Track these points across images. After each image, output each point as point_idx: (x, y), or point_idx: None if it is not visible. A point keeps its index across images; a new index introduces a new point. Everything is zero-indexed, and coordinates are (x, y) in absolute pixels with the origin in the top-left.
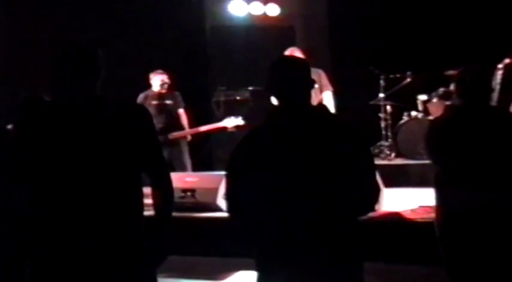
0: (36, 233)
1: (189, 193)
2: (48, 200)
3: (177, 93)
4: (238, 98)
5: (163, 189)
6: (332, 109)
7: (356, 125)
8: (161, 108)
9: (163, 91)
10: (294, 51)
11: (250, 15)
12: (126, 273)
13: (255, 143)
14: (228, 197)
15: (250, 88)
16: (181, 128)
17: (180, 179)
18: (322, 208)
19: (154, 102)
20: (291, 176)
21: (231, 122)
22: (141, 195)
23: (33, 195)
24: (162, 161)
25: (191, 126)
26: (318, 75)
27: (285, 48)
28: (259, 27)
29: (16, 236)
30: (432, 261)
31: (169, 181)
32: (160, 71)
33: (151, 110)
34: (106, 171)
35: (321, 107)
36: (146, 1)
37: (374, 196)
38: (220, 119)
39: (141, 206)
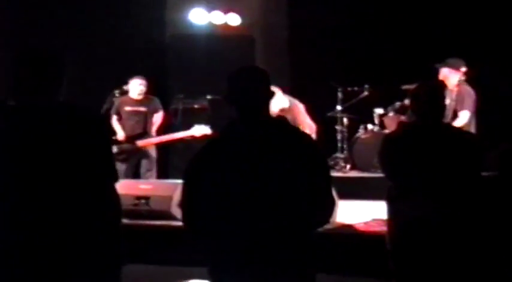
0: None
1: (143, 200)
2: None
3: (153, 99)
4: (196, 106)
5: (107, 204)
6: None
7: (312, 137)
8: (135, 114)
9: (140, 97)
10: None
11: (210, 24)
12: None
13: (212, 152)
14: (184, 205)
15: (208, 97)
16: (154, 134)
17: (134, 186)
18: (277, 219)
19: (128, 109)
20: (247, 186)
21: (199, 130)
22: (97, 205)
23: None
24: (110, 174)
25: (159, 132)
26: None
27: (244, 58)
28: (220, 37)
29: None
30: (383, 275)
31: (113, 198)
32: (139, 76)
33: (125, 116)
34: (58, 180)
35: (280, 118)
36: (107, 10)
37: (329, 208)
38: (177, 127)
39: (98, 216)
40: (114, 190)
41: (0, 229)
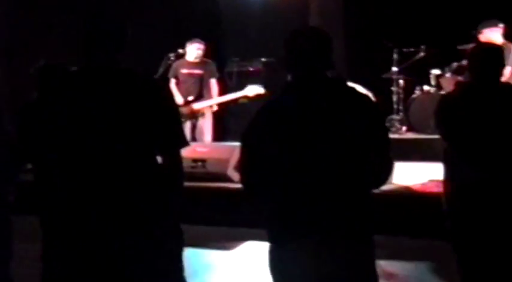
0: (51, 204)
1: (199, 163)
2: (64, 173)
3: (210, 63)
4: (251, 69)
5: (171, 169)
6: None
7: (371, 98)
8: (191, 77)
9: (196, 60)
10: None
11: None
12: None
13: (271, 115)
14: (242, 168)
15: (263, 59)
16: (210, 98)
17: (191, 149)
18: (336, 180)
19: (184, 71)
20: (307, 148)
21: (253, 90)
22: (160, 174)
23: (47, 168)
24: (174, 140)
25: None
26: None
27: (299, 20)
28: None
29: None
30: (439, 236)
31: (177, 163)
32: (197, 39)
33: (182, 78)
34: (122, 144)
35: (338, 79)
36: None
37: (387, 169)
38: (233, 90)
39: (159, 180)
40: (179, 159)
41: (73, 189)
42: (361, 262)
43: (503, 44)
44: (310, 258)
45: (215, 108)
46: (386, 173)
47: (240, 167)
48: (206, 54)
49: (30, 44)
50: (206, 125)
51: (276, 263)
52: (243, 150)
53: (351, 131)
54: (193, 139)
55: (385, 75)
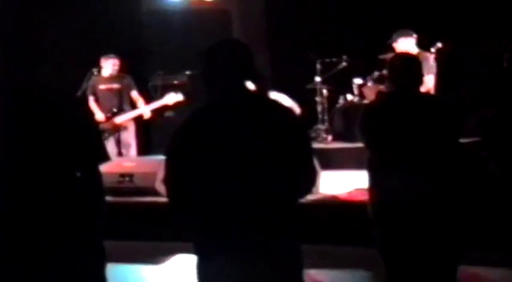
0: None
1: (127, 178)
2: None
3: (127, 77)
4: (175, 82)
5: (90, 184)
6: None
7: (291, 109)
8: (109, 92)
9: (113, 75)
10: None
11: (186, 0)
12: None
13: (194, 127)
14: (167, 181)
15: (187, 72)
16: (133, 110)
17: (118, 164)
18: (260, 192)
19: (102, 87)
20: (230, 160)
21: (172, 98)
22: (79, 188)
23: None
24: (92, 155)
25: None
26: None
27: (221, 32)
28: (196, 12)
29: None
30: (366, 243)
31: (95, 177)
32: (111, 55)
33: (100, 94)
34: (41, 162)
35: (259, 92)
36: None
37: (311, 179)
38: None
39: (80, 196)
40: (98, 170)
41: None
42: (288, 272)
43: (418, 53)
44: (237, 270)
45: (147, 116)
46: (310, 182)
47: (166, 181)
48: (126, 67)
49: None
50: (130, 138)
51: (203, 277)
52: (168, 164)
53: (274, 142)
54: (120, 154)
55: (309, 86)
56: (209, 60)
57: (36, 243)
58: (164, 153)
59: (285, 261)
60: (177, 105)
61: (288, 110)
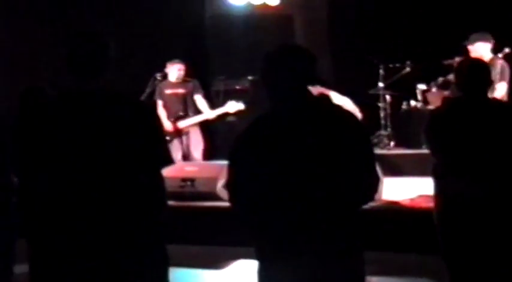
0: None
1: (188, 182)
2: (48, 195)
3: (192, 81)
4: (237, 87)
5: (152, 188)
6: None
7: (355, 115)
8: (174, 97)
9: (179, 80)
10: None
11: (249, 5)
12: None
13: (257, 132)
14: (229, 186)
15: (249, 77)
16: (197, 115)
17: (180, 169)
18: (322, 197)
19: (168, 92)
20: (293, 166)
21: (233, 106)
22: (143, 193)
23: (30, 192)
24: (156, 159)
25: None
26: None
27: (284, 37)
28: (259, 17)
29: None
30: (430, 251)
31: (158, 181)
32: (176, 60)
33: (166, 99)
34: (106, 165)
35: (323, 97)
36: None
37: (374, 186)
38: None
39: (143, 200)
40: (160, 174)
41: (59, 210)
42: (350, 279)
43: (492, 59)
44: (299, 277)
45: (212, 116)
46: (373, 189)
47: (228, 185)
48: (191, 73)
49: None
50: (195, 143)
51: (266, 279)
52: (230, 168)
53: (337, 149)
54: (184, 158)
55: (371, 91)
56: (270, 65)
57: (100, 247)
58: (227, 158)
59: (346, 268)
60: (239, 112)
61: (351, 116)
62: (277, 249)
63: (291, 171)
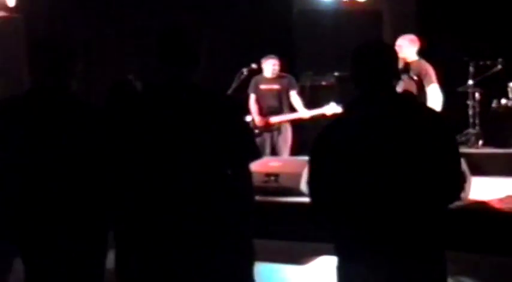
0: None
1: (272, 177)
2: (137, 190)
3: (288, 77)
4: (324, 83)
5: (241, 181)
6: (438, 103)
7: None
8: (269, 92)
9: (274, 76)
10: (404, 38)
11: (337, 0)
12: (222, 263)
13: (339, 130)
14: (310, 182)
15: (336, 74)
16: (293, 111)
17: (264, 164)
18: (406, 196)
19: (263, 87)
20: (375, 164)
21: (330, 109)
22: (230, 185)
23: (119, 182)
24: (244, 153)
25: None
26: (425, 67)
27: (372, 33)
28: (347, 12)
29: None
30: None
31: (246, 175)
32: (272, 56)
33: (261, 94)
34: (196, 159)
35: (406, 94)
36: None
37: (459, 186)
38: (306, 104)
39: (231, 193)
40: (248, 168)
41: (150, 203)
42: (432, 279)
43: None
44: (377, 276)
45: (306, 116)
46: (458, 189)
47: (308, 182)
48: (281, 68)
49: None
50: (284, 139)
51: (343, 279)
52: (311, 165)
53: (420, 147)
54: (273, 154)
55: (460, 89)
56: (355, 62)
57: (190, 242)
58: (308, 155)
59: (426, 268)
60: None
61: (436, 113)
62: (355, 246)
63: (373, 169)
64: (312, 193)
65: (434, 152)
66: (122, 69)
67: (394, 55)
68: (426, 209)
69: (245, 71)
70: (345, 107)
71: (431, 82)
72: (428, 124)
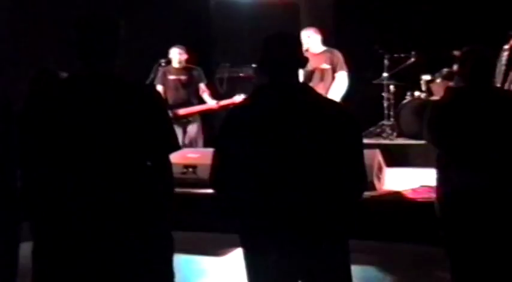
0: (39, 213)
1: (190, 169)
2: (53, 181)
3: (196, 69)
4: (241, 74)
5: (160, 173)
6: (342, 90)
7: (343, 105)
8: (177, 83)
9: (182, 66)
10: (309, 30)
11: None
12: (142, 252)
13: (241, 118)
14: (212, 171)
15: (254, 65)
16: (201, 103)
17: (182, 156)
18: (309, 187)
19: (171, 78)
20: (275, 151)
21: (240, 99)
22: (150, 179)
23: (34, 175)
24: (163, 144)
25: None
26: (333, 55)
27: (289, 25)
28: (264, 4)
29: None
30: (432, 241)
31: (166, 167)
32: (178, 45)
33: (169, 84)
34: (114, 149)
35: (306, 85)
36: None
37: (361, 179)
38: (223, 96)
39: (150, 184)
40: (168, 159)
41: (67, 193)
42: (334, 267)
43: None
44: (282, 263)
45: (215, 106)
46: (360, 181)
47: (211, 168)
48: (194, 58)
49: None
50: (196, 131)
51: (250, 269)
52: (215, 152)
53: (323, 136)
54: (185, 145)
55: (376, 81)
56: (261, 51)
57: (107, 234)
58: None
59: (330, 257)
60: None
61: (338, 104)
62: (260, 237)
63: (273, 157)
64: (211, 178)
65: (336, 142)
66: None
67: (297, 44)
68: (331, 200)
69: (163, 62)
70: (250, 94)
71: (341, 69)
72: (332, 115)
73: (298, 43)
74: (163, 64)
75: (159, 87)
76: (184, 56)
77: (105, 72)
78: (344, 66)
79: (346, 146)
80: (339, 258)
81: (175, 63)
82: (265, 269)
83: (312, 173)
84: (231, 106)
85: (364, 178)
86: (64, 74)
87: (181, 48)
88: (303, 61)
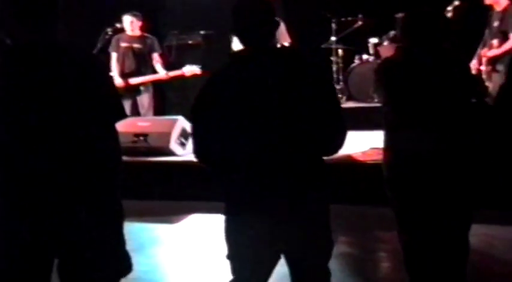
0: None
1: (141, 138)
2: (1, 147)
3: (150, 38)
4: (190, 42)
5: (107, 141)
6: None
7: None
8: (130, 51)
9: (136, 34)
10: None
11: None
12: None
13: (219, 85)
14: (195, 141)
15: (202, 32)
16: (153, 72)
17: (133, 124)
18: (289, 148)
19: (123, 45)
20: (258, 116)
21: (190, 70)
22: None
23: None
24: (110, 112)
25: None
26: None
27: None
28: None
29: None
30: (381, 202)
31: (113, 135)
32: (132, 12)
33: (121, 52)
34: (59, 119)
35: (288, 47)
36: None
37: (341, 135)
38: (172, 64)
39: (97, 153)
40: (114, 128)
41: (11, 163)
42: (316, 230)
43: (507, 5)
44: (263, 227)
45: (166, 77)
46: (340, 138)
47: (193, 141)
48: (146, 28)
49: None
50: (146, 100)
51: (230, 233)
52: (194, 122)
53: (302, 98)
54: (136, 114)
55: (324, 45)
56: (234, 17)
57: (54, 203)
58: (190, 114)
59: (312, 219)
60: (194, 76)
61: (319, 67)
62: (244, 201)
63: (256, 121)
64: (197, 147)
65: (317, 101)
66: None
67: (270, 9)
68: (309, 159)
69: (109, 30)
70: (228, 59)
71: (285, 40)
72: (311, 77)
73: (271, 6)
74: (110, 33)
75: (113, 55)
76: (138, 23)
77: (45, 39)
78: (287, 38)
79: (325, 106)
80: (320, 221)
81: (128, 31)
82: (247, 237)
83: (292, 133)
84: (181, 77)
85: (344, 134)
86: (9, 41)
87: (135, 16)
88: (277, 24)
